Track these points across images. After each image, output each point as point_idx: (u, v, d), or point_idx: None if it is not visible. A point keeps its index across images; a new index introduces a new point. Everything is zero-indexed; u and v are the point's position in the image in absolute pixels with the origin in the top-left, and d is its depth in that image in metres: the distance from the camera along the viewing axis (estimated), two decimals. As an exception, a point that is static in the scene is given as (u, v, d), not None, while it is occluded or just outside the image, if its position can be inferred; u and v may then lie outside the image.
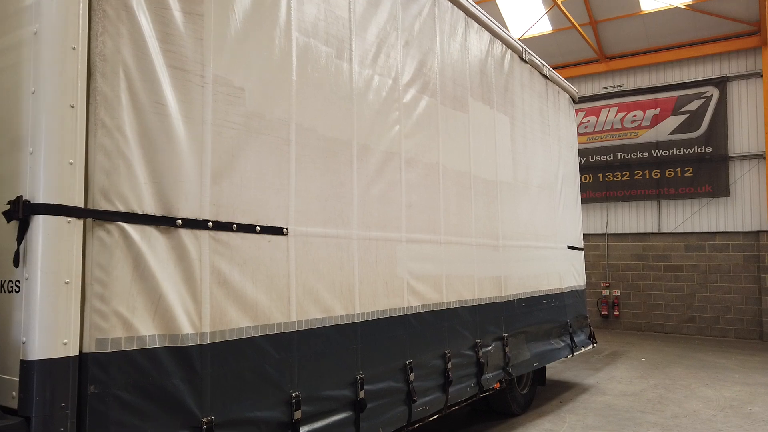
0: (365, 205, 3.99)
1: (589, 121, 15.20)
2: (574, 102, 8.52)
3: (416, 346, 4.40)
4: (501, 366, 5.68)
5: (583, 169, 15.02)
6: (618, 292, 14.48)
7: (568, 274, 7.64)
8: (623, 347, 11.65)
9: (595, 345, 8.04)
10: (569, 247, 7.76)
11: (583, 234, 15.65)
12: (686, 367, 9.59)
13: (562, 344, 7.09)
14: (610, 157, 14.85)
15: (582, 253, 8.36)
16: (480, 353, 5.26)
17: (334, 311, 3.63)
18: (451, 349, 4.85)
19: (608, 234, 14.77)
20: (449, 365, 4.75)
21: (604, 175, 14.90)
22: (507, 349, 5.75)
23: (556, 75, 7.73)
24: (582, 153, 15.06)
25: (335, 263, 3.68)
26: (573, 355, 7.22)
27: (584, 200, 15.00)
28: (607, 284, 14.62)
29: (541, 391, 7.40)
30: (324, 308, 3.56)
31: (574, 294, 7.71)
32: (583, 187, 15.06)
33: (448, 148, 5.10)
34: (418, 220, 4.59)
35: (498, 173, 5.97)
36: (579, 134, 15.18)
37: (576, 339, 7.47)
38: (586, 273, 15.27)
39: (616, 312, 14.40)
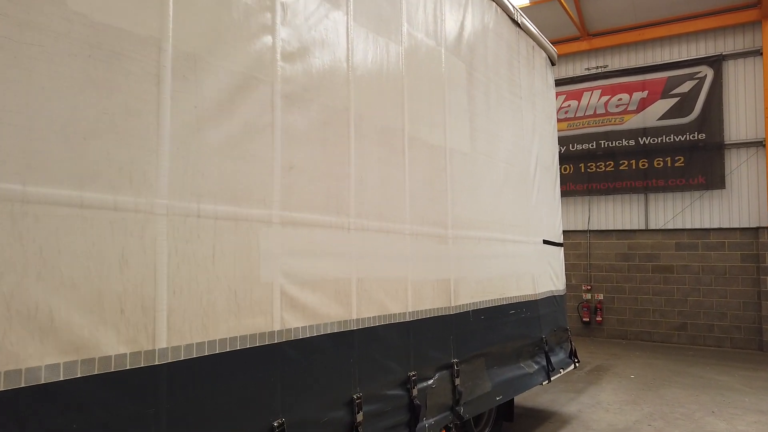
0: (189, 159, 2.30)
1: (569, 105, 13.69)
2: (553, 64, 6.91)
3: (294, 393, 2.71)
4: (448, 405, 4.02)
5: (563, 158, 13.50)
6: (601, 296, 12.97)
7: (544, 275, 6.02)
8: (608, 360, 10.10)
9: (577, 364, 6.44)
10: (545, 242, 6.15)
11: (563, 231, 14.19)
12: (684, 386, 8.06)
13: (536, 367, 5.46)
14: (592, 146, 13.34)
15: (561, 250, 6.77)
16: (414, 392, 3.60)
17: (96, 351, 1.92)
18: (364, 390, 3.18)
19: (590, 231, 13.26)
20: (358, 417, 3.08)
21: (586, 166, 13.38)
22: (457, 382, 4.10)
23: (530, 25, 6.11)
24: (562, 141, 13.54)
25: (109, 259, 1.98)
26: (549, 381, 5.60)
27: (564, 193, 13.47)
28: (588, 287, 13.11)
29: (507, 428, 5.76)
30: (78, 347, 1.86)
31: (551, 301, 6.09)
32: (563, 179, 13.53)
33: (367, 89, 3.42)
34: (307, 191, 2.91)
35: (448, 138, 4.31)
36: (558, 120, 13.66)
37: (554, 359, 5.85)
38: (566, 274, 13.85)
39: (598, 318, 12.89)
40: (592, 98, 13.43)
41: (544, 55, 6.62)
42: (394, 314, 3.55)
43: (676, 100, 12.49)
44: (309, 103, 2.96)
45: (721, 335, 11.69)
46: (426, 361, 3.82)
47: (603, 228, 13.14)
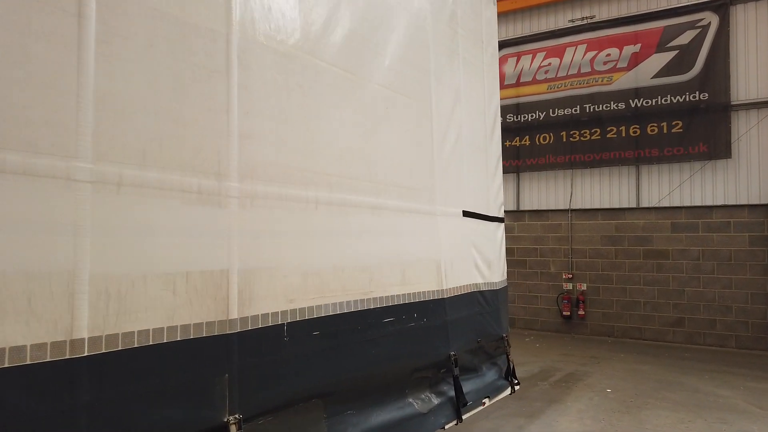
0: None
1: (550, 64, 11.71)
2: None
3: None
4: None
5: (542, 127, 11.61)
6: (584, 286, 11.09)
7: (462, 262, 4.15)
8: (584, 365, 8.25)
9: (515, 388, 4.59)
10: (467, 215, 4.27)
11: (542, 210, 12.31)
12: (673, 406, 6.20)
13: (435, 402, 3.60)
14: (575, 110, 11.38)
15: (500, 227, 4.89)
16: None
17: None
18: None
19: (572, 210, 11.35)
20: None
21: (569, 134, 11.44)
22: (237, 456, 2.27)
23: None
24: (540, 106, 11.66)
25: None
26: (460, 421, 3.74)
27: (543, 167, 11.61)
28: (570, 275, 11.22)
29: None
30: None
31: (474, 300, 4.23)
32: (542, 151, 11.66)
33: None
34: None
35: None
36: (537, 81, 11.77)
37: (470, 386, 4.00)
38: (543, 261, 11.91)
39: (581, 312, 11.02)
40: (576, 54, 11.46)
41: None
42: (59, 346, 1.71)
43: (673, 53, 10.50)
44: None
45: (725, 333, 9.79)
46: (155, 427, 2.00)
47: (587, 206, 11.23)
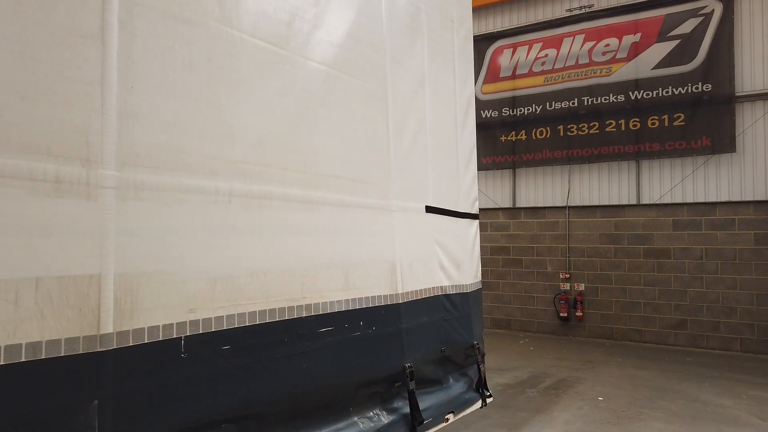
0: None
1: (546, 55, 11.25)
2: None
3: None
4: None
5: (539, 121, 11.17)
6: (582, 286, 10.63)
7: (424, 263, 3.75)
8: (578, 370, 7.82)
9: (486, 401, 4.18)
10: (431, 210, 3.85)
11: (538, 207, 11.82)
12: (669, 417, 5.76)
13: (385, 421, 3.20)
14: (573, 103, 10.91)
15: (473, 224, 4.48)
16: None
17: None
18: None
19: (570, 207, 10.89)
20: None
21: (566, 128, 10.97)
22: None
23: None
24: (537, 100, 11.21)
25: None
26: (415, 442, 3.34)
27: (540, 162, 11.16)
28: (567, 275, 10.76)
29: None
30: None
31: (438, 305, 3.82)
32: (539, 145, 11.21)
33: None
34: None
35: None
36: (534, 74, 11.32)
37: (433, 400, 3.59)
38: (540, 260, 11.44)
39: (578, 313, 10.56)
40: (574, 45, 10.99)
41: None
42: None
43: (675, 43, 10.01)
44: None
45: (729, 335, 9.31)
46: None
47: (585, 203, 10.77)
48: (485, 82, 11.84)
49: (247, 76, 2.55)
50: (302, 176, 2.81)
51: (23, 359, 1.75)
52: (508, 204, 11.53)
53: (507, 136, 11.54)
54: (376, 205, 3.32)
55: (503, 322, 11.41)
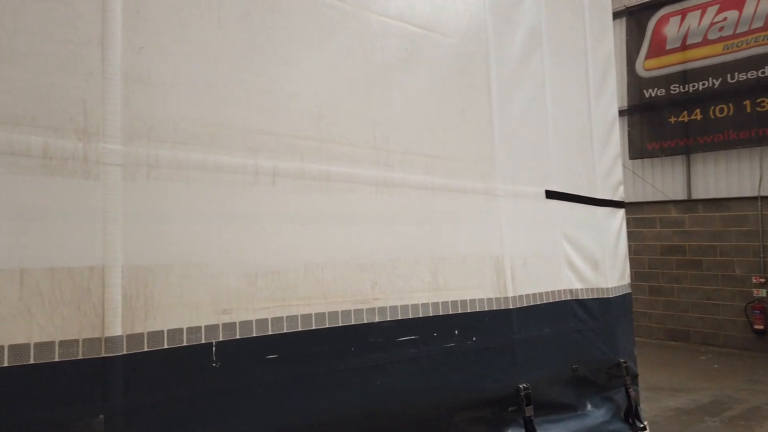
0: None
1: (725, 18, 9.51)
2: None
3: None
4: None
5: (718, 96, 9.48)
6: (782, 293, 8.72)
7: (545, 260, 3.05)
8: (778, 397, 6.29)
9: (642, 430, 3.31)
10: (551, 196, 3.14)
11: (720, 198, 9.96)
12: None
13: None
14: (762, 73, 9.06)
15: (616, 214, 3.64)
16: None
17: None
18: None
19: (762, 197, 9.02)
20: None
21: (754, 103, 9.14)
22: None
23: None
24: (714, 72, 9.56)
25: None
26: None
27: (721, 145, 9.46)
28: (762, 279, 8.91)
29: None
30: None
31: (566, 312, 3.09)
32: (719, 125, 9.49)
33: None
34: None
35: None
36: (709, 42, 9.68)
37: (560, 430, 2.87)
38: (725, 261, 9.61)
39: (779, 325, 8.67)
40: (762, 3, 9.13)
41: None
42: None
43: None
44: None
45: None
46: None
47: (784, 192, 8.85)
48: (648, 57, 10.36)
49: (296, 35, 2.15)
50: (373, 153, 2.35)
51: (5, 363, 1.51)
52: (681, 196, 9.91)
53: (678, 116, 9.95)
54: (475, 189, 2.73)
55: (679, 334, 9.80)
